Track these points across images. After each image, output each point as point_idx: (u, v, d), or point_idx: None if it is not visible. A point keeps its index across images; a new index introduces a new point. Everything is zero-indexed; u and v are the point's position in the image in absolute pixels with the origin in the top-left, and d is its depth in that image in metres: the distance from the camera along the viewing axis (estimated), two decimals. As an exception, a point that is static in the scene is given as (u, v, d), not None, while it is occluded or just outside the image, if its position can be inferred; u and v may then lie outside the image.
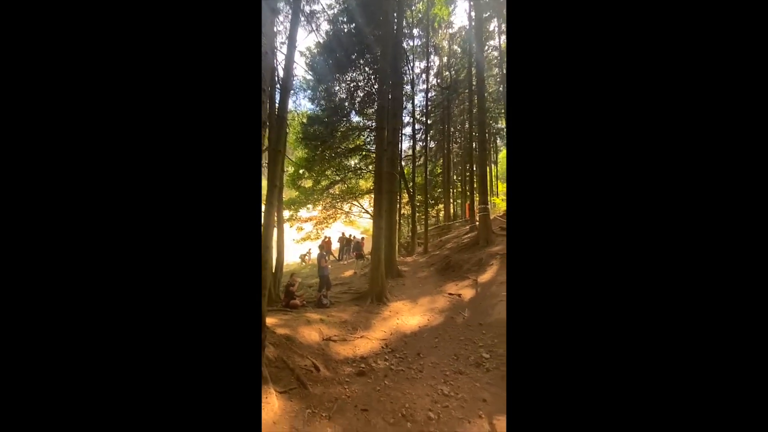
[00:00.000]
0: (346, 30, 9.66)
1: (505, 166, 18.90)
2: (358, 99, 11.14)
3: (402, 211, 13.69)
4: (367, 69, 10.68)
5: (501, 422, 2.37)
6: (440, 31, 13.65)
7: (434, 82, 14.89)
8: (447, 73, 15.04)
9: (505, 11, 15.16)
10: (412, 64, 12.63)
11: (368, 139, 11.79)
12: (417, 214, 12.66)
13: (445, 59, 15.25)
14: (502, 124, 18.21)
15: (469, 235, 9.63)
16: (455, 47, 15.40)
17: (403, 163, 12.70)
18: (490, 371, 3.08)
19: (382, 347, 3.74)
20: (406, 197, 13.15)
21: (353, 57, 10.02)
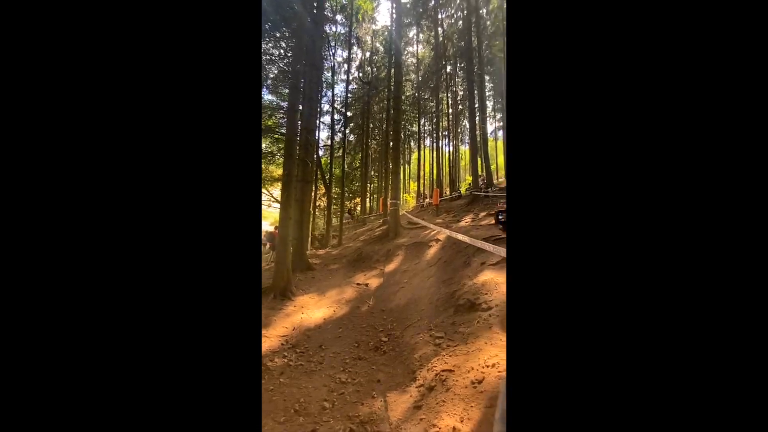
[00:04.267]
0: (259, -7, 8.46)
1: (416, 168, 20.76)
2: (272, 75, 10.05)
3: (318, 203, 13.21)
4: (283, 44, 9.71)
5: (392, 397, 2.55)
6: (364, 25, 13.66)
7: (356, 74, 14.85)
8: (369, 68, 15.24)
9: (422, 21, 16.41)
10: (334, 50, 12.20)
11: (282, 121, 10.80)
12: (333, 207, 12.46)
13: (367, 54, 15.40)
14: (415, 127, 19.83)
15: (381, 228, 10.11)
16: (378, 44, 15.73)
17: (321, 152, 12.21)
18: (387, 353, 3.30)
19: (282, 344, 3.51)
20: (323, 188, 12.74)
21: (267, 26, 8.93)
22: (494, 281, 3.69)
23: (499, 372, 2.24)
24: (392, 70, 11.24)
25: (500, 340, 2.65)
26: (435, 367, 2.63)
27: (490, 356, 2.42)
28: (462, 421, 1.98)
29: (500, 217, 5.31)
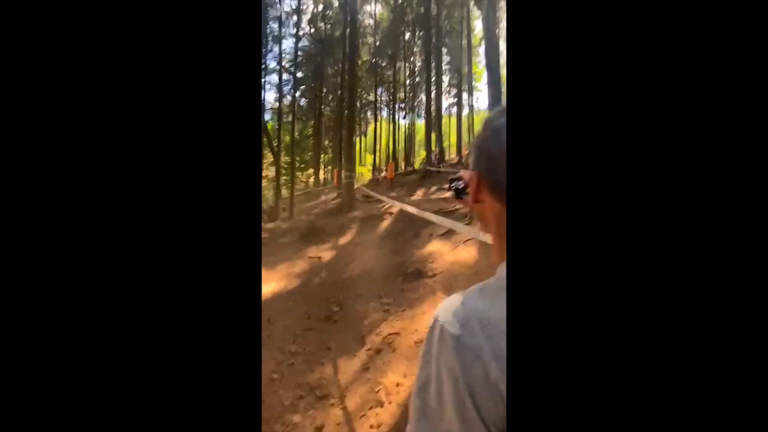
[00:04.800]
0: None
1: (372, 140, 20.35)
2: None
3: (265, 173, 12.17)
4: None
5: (342, 362, 2.67)
6: (315, -30, 12.07)
7: (307, 30, 13.32)
8: (321, 24, 13.76)
9: (381, -21, 15.16)
10: (280, -2, 10.65)
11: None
12: (284, 177, 11.65)
13: (320, 7, 13.79)
14: (372, 97, 19.10)
15: (335, 201, 9.90)
16: (332, -2, 14.18)
17: (267, 117, 11.05)
18: (338, 322, 3.38)
19: (225, 321, 3.32)
20: (270, 157, 11.71)
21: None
22: (440, 251, 3.95)
23: (439, 331, 2.48)
24: (348, 30, 10.36)
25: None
26: (383, 331, 2.79)
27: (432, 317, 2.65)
28: (405, 377, 2.17)
29: (453, 184, 5.61)
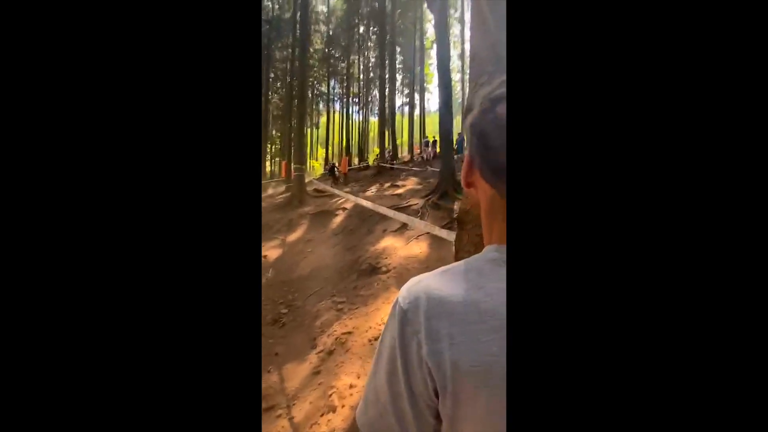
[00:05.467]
0: None
1: (324, 132, 19.66)
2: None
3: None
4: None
5: (290, 368, 2.47)
6: (262, -58, 11.00)
7: (252, 6, 12.15)
8: (269, 2, 12.69)
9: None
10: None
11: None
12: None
13: (267, -17, 12.69)
14: (325, 88, 18.41)
15: (283, 195, 9.27)
16: (281, -25, 13.15)
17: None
18: (286, 325, 3.14)
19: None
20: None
21: None
22: (393, 246, 3.97)
23: (393, 327, 2.47)
24: (299, 13, 9.71)
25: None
26: (335, 331, 2.67)
27: (386, 313, 2.63)
28: (359, 377, 2.10)
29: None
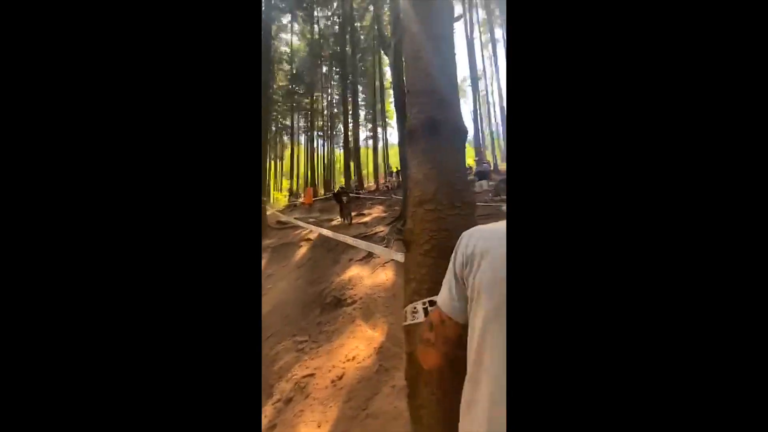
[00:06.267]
0: None
1: (290, 165, 19.50)
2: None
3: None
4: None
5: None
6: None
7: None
8: (231, 42, 13.01)
9: (297, 11, 15.69)
10: None
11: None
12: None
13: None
14: (289, 122, 18.64)
15: (243, 229, 8.72)
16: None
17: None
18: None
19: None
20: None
21: None
22: (359, 275, 3.86)
23: (358, 364, 2.30)
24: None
25: (361, 331, 2.75)
26: (295, 375, 2.41)
27: (351, 350, 2.46)
28: (320, 426, 1.87)
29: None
